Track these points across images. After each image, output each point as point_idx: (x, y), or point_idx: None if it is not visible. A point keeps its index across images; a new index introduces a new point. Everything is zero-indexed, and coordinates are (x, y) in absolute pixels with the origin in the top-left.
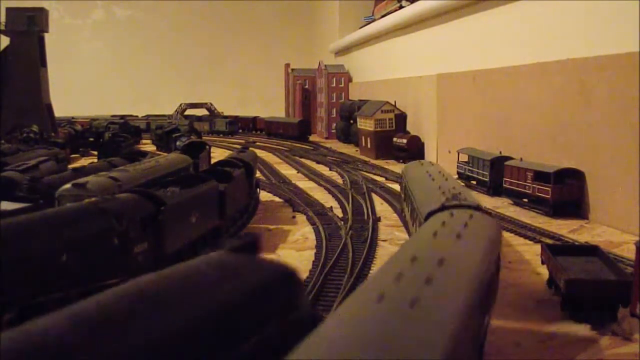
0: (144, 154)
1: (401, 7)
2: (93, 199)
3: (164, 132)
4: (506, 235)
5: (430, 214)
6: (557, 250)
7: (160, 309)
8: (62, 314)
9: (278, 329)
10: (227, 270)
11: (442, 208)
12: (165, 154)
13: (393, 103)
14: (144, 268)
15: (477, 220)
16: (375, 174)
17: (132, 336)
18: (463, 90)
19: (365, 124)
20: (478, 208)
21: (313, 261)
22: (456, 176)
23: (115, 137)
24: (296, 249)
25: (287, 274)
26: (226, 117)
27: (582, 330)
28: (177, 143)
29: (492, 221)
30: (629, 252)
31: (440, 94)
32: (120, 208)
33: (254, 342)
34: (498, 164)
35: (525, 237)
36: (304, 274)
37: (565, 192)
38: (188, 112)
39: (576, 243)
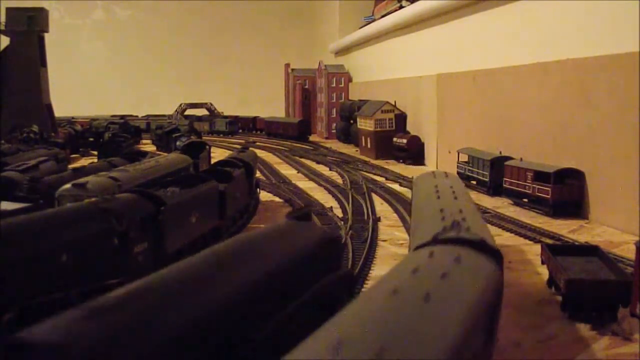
0: (144, 154)
1: (401, 7)
2: (93, 199)
3: (164, 132)
4: (506, 235)
5: (419, 248)
6: (557, 250)
7: (243, 264)
8: (183, 263)
9: (328, 282)
10: (290, 234)
11: (433, 241)
12: (165, 154)
13: (393, 103)
14: (144, 268)
15: (467, 265)
16: (375, 174)
17: (224, 284)
18: (463, 90)
19: (365, 124)
20: (479, 243)
21: None
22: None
23: (115, 137)
24: None
25: (333, 238)
26: (226, 117)
27: (582, 330)
28: (177, 143)
29: (488, 267)
30: (629, 252)
31: (440, 94)
32: (120, 208)
33: (312, 292)
34: (498, 164)
35: (525, 237)
36: None
37: (565, 192)
38: (188, 112)
39: (576, 243)
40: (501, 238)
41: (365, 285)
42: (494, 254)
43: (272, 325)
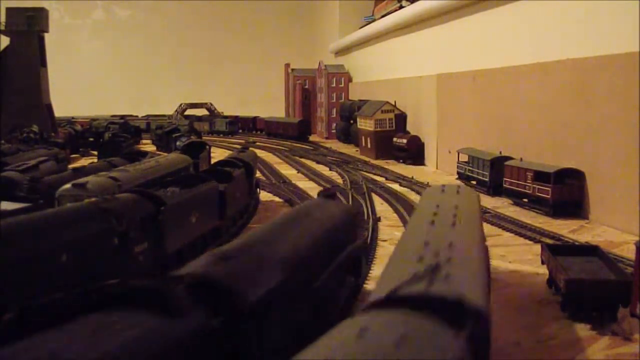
0: (144, 154)
1: (401, 7)
2: (93, 199)
3: (164, 132)
4: (506, 235)
5: (364, 311)
6: (557, 250)
7: (301, 229)
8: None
9: (355, 246)
10: (326, 209)
11: (385, 301)
12: (165, 154)
13: (393, 103)
14: (144, 268)
15: (416, 352)
16: (375, 174)
17: (293, 243)
18: (463, 90)
19: (365, 124)
20: (453, 305)
21: None
22: (456, 176)
23: (115, 137)
24: None
25: (354, 212)
26: (226, 117)
27: (582, 330)
28: (177, 143)
29: (454, 350)
30: (629, 252)
31: (440, 94)
32: (120, 208)
33: (346, 253)
34: (498, 164)
35: (525, 237)
36: None
37: (565, 192)
38: (188, 112)
39: (576, 243)
40: (501, 238)
41: (367, 284)
42: (474, 321)
43: (326, 274)
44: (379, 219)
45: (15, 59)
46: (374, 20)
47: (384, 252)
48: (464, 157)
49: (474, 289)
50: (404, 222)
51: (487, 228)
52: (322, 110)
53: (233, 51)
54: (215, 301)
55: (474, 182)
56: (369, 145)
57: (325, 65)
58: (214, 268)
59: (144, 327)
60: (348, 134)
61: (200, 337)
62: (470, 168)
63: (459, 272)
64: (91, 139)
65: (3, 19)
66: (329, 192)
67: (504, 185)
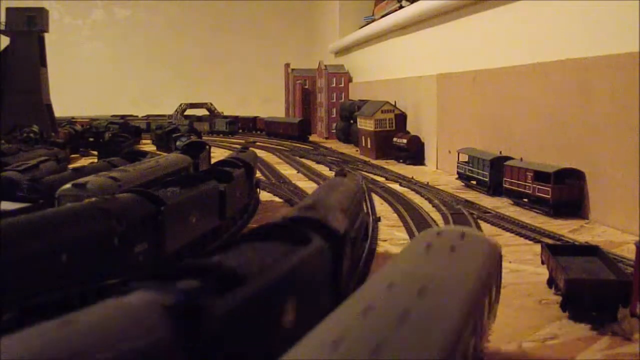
0: (144, 154)
1: (401, 7)
2: (93, 199)
3: (164, 132)
4: (506, 235)
5: None
6: (557, 250)
7: (333, 197)
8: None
9: (365, 216)
10: (343, 183)
11: None
12: (165, 154)
13: (393, 103)
14: (144, 268)
15: None
16: (375, 174)
17: (334, 203)
18: (463, 90)
19: (365, 124)
20: None
21: None
22: (456, 176)
23: (115, 137)
24: None
25: (362, 187)
26: (226, 117)
27: (582, 330)
28: (177, 143)
29: None
30: (629, 252)
31: (440, 94)
32: (120, 208)
33: (358, 224)
34: (498, 164)
35: (525, 237)
36: None
37: (565, 192)
38: (188, 112)
39: (576, 243)
40: (501, 238)
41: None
42: None
43: (352, 233)
44: (379, 219)
45: (15, 59)
46: (374, 20)
47: (384, 252)
48: (464, 157)
49: None
50: (404, 222)
51: (488, 228)
52: (322, 110)
53: (233, 51)
54: (316, 234)
55: (474, 182)
56: (369, 145)
57: (325, 65)
58: (312, 213)
59: (287, 249)
60: (348, 134)
61: (319, 256)
62: (470, 168)
63: None
64: (91, 139)
65: (3, 19)
66: (342, 172)
67: (504, 185)
